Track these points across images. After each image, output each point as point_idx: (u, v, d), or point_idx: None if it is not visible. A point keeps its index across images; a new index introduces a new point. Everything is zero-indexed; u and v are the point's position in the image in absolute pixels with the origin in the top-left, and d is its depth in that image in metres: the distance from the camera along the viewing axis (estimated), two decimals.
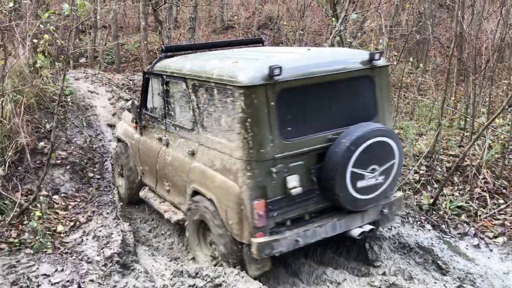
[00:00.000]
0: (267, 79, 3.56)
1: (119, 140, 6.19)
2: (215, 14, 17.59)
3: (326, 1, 7.31)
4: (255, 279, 3.81)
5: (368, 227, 4.16)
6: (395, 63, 7.70)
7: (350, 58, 4.13)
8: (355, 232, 4.09)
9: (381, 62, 4.13)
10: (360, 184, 3.85)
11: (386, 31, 8.01)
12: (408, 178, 6.08)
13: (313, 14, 15.58)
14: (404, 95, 10.26)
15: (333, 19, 7.22)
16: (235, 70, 3.73)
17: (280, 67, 3.55)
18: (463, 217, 5.41)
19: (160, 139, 4.92)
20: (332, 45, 7.29)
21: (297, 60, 3.93)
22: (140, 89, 5.40)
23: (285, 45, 13.17)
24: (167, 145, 4.78)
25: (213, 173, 4.01)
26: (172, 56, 4.95)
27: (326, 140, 3.86)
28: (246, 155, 3.61)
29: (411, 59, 9.49)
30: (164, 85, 4.74)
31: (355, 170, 3.77)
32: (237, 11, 18.04)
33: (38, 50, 7.08)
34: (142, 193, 5.58)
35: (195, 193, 4.30)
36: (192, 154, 4.31)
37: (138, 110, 5.33)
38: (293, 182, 3.72)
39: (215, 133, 3.98)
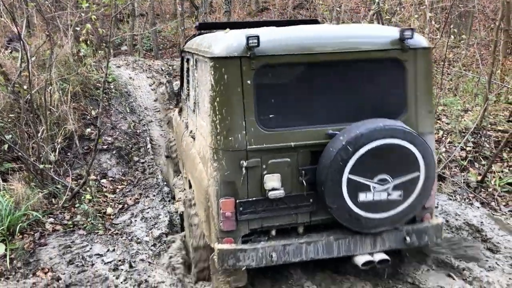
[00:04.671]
0: (243, 51, 2.92)
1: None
2: None
3: None
4: None
5: (380, 257, 3.26)
6: (438, 36, 7.46)
7: (373, 35, 3.30)
8: (359, 260, 3.24)
9: (419, 42, 3.23)
10: (363, 197, 3.04)
11: (427, 3, 7.73)
12: (455, 155, 5.92)
13: None
14: (447, 70, 9.94)
15: None
16: (214, 40, 3.22)
17: (258, 37, 2.88)
18: None
19: (185, 123, 4.48)
20: (370, 22, 7.12)
21: (292, 32, 3.21)
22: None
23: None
24: (187, 128, 4.29)
25: (197, 162, 3.50)
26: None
27: (324, 135, 3.10)
28: (214, 142, 3.04)
29: (455, 30, 9.13)
30: (186, 63, 4.36)
31: (355, 177, 2.98)
32: None
33: (80, 39, 7.26)
34: (173, 180, 5.34)
35: (189, 181, 3.90)
36: (193, 139, 3.81)
37: (178, 91, 5.19)
38: (272, 182, 3.05)
39: (202, 115, 3.44)
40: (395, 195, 3.09)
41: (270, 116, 3.07)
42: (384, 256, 3.25)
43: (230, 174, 3.03)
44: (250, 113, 2.99)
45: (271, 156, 3.05)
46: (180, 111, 4.97)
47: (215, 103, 2.99)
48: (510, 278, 3.64)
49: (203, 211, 3.24)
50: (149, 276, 3.80)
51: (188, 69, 4.19)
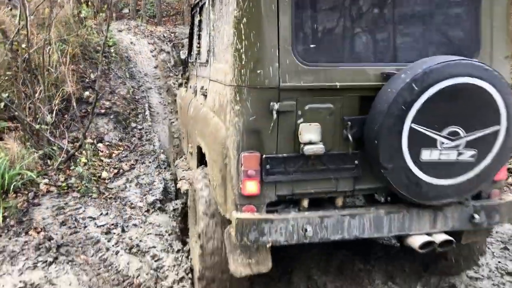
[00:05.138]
0: None
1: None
2: None
3: None
4: (243, 280, 2.74)
5: (441, 238, 2.61)
6: None
7: None
8: (415, 241, 2.60)
9: None
10: (427, 155, 2.39)
11: None
12: None
13: None
14: None
15: None
16: None
17: None
18: None
19: (193, 89, 3.98)
20: None
21: None
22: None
23: None
24: (195, 93, 3.79)
25: (211, 117, 2.95)
26: None
27: (379, 77, 2.47)
28: (237, 78, 2.43)
29: None
30: (199, 13, 3.87)
31: (419, 127, 2.32)
32: None
33: (81, 0, 7.11)
34: (176, 161, 4.74)
35: (200, 151, 3.23)
36: (204, 96, 3.29)
37: (185, 59, 4.77)
38: (309, 134, 2.41)
39: (219, 56, 2.87)
40: (467, 155, 2.41)
41: (311, 46, 2.46)
42: (447, 237, 2.60)
43: (255, 120, 2.39)
44: (285, 40, 2.36)
45: (310, 99, 2.42)
46: (187, 82, 4.59)
47: (241, 26, 2.36)
48: None
49: (217, 172, 2.62)
50: (140, 241, 3.81)
51: (200, 21, 3.79)
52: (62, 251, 3.69)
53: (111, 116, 6.47)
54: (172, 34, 9.82)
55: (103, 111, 6.52)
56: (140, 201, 4.58)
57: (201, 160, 3.23)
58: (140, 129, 6.58)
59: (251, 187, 2.43)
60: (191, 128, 3.72)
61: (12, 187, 4.39)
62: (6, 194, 4.35)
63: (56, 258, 3.57)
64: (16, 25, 5.56)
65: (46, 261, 3.52)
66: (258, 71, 2.36)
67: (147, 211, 4.37)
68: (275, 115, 2.37)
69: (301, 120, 2.42)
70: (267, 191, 2.47)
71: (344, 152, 2.51)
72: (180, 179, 3.89)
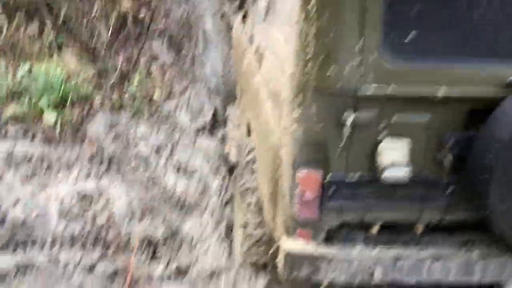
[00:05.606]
0: None
1: None
2: None
3: None
4: None
5: None
6: None
7: None
8: None
9: None
10: None
11: None
12: None
13: None
14: None
15: None
16: None
17: None
18: None
19: (248, 35, 3.14)
20: None
21: None
22: None
23: None
24: (251, 42, 3.00)
25: (263, 99, 2.33)
26: None
27: (501, 83, 1.78)
28: (299, 73, 1.82)
29: None
30: None
31: None
32: None
33: None
34: (228, 111, 4.22)
35: (248, 126, 2.70)
36: (259, 60, 2.55)
37: None
38: (393, 153, 1.83)
39: (279, 20, 2.20)
40: None
41: (408, 37, 1.73)
42: None
43: (321, 132, 1.83)
44: (373, 29, 1.69)
45: (399, 108, 1.80)
46: (245, 17, 3.70)
47: (309, 5, 1.69)
48: None
49: (267, 183, 2.13)
50: (188, 162, 3.89)
51: None
52: (113, 165, 3.83)
53: (165, 39, 6.43)
54: None
55: (157, 32, 6.48)
56: (190, 125, 4.63)
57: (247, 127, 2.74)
58: (192, 54, 6.52)
59: (308, 211, 1.93)
60: (242, 86, 3.13)
61: (68, 100, 4.53)
62: (63, 106, 4.49)
63: (107, 171, 3.72)
64: None
65: (99, 172, 3.68)
66: (330, 68, 1.73)
67: (196, 134, 4.42)
68: (348, 128, 1.79)
69: (384, 135, 1.82)
70: (328, 217, 1.96)
71: (436, 177, 1.93)
72: (231, 138, 3.46)
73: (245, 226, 2.55)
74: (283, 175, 1.96)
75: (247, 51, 3.10)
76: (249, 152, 2.53)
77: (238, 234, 2.77)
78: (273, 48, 2.24)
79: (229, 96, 4.43)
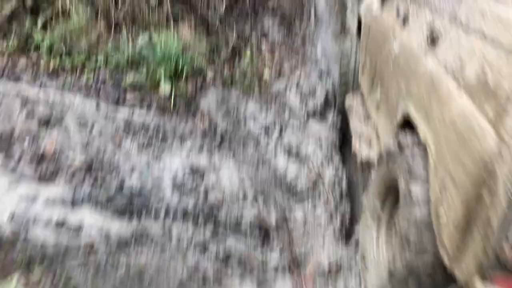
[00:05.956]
0: None
1: (359, 24, 4.24)
2: None
3: None
4: None
5: None
6: None
7: None
8: None
9: None
10: None
11: None
12: None
13: None
14: None
15: None
16: None
17: None
18: None
19: (397, 13, 2.84)
20: None
21: None
22: None
23: None
24: (404, 22, 2.66)
25: (449, 89, 1.85)
26: None
27: None
28: None
29: None
30: None
31: None
32: None
33: None
34: (348, 101, 3.81)
35: (406, 123, 2.23)
36: (433, 41, 2.13)
37: None
38: None
39: None
40: None
41: None
42: None
43: None
44: None
45: None
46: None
47: None
48: None
49: (458, 199, 1.64)
50: (299, 147, 3.75)
51: None
52: (224, 142, 3.81)
53: (277, 16, 6.30)
54: None
55: (269, 10, 6.36)
56: (300, 107, 4.48)
57: (403, 124, 2.26)
58: (303, 33, 6.33)
59: None
60: (389, 75, 2.71)
61: (184, 72, 4.58)
62: (178, 78, 4.55)
63: (219, 147, 3.70)
64: None
65: (211, 148, 3.66)
66: None
67: (307, 117, 4.27)
68: None
69: None
70: None
71: None
72: (357, 139, 3.05)
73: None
74: (496, 197, 1.45)
75: (395, 33, 2.79)
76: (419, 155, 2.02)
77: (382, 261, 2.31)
78: (480, 23, 1.77)
79: (346, 84, 4.13)
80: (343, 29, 6.51)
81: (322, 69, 5.37)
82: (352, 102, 3.67)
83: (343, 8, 6.96)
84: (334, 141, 3.84)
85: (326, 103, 4.49)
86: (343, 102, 4.03)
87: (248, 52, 5.31)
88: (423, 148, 1.95)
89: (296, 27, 6.38)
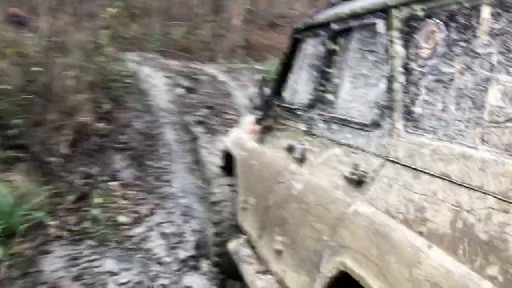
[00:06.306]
0: None
1: (226, 159, 3.94)
2: None
3: None
4: None
5: None
6: None
7: None
8: None
9: None
10: None
11: None
12: None
13: None
14: None
15: None
16: None
17: None
18: None
19: (290, 149, 2.64)
20: None
21: None
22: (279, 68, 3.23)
23: None
24: (301, 160, 2.48)
25: (407, 240, 1.53)
26: None
27: None
28: None
29: None
30: (331, 42, 2.54)
31: None
32: None
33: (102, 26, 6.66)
34: (232, 245, 3.31)
35: (343, 278, 1.84)
36: (358, 183, 1.92)
37: (267, 99, 3.25)
38: None
39: (447, 132, 1.57)
40: None
41: None
42: None
43: None
44: None
45: None
46: (266, 132, 3.15)
47: None
48: None
49: None
50: None
51: (332, 52, 2.49)
52: None
53: (127, 152, 5.86)
54: (189, 69, 9.37)
55: (117, 145, 5.91)
56: (168, 256, 3.92)
57: (338, 278, 1.85)
58: (156, 168, 5.95)
59: None
60: (294, 221, 2.39)
61: (18, 230, 3.71)
62: (11, 239, 3.66)
63: None
64: (34, 46, 5.03)
65: None
66: None
67: (179, 269, 3.70)
68: None
69: None
70: None
71: None
72: None
73: None
74: None
75: (291, 172, 2.52)
76: None
77: None
78: (451, 166, 1.50)
79: (220, 224, 3.67)
80: (198, 162, 6.32)
81: (184, 209, 4.95)
82: (238, 248, 3.16)
83: (194, 140, 6.87)
84: None
85: (199, 250, 4.01)
86: (220, 255, 3.58)
87: (99, 196, 4.67)
88: None
89: (149, 164, 5.99)
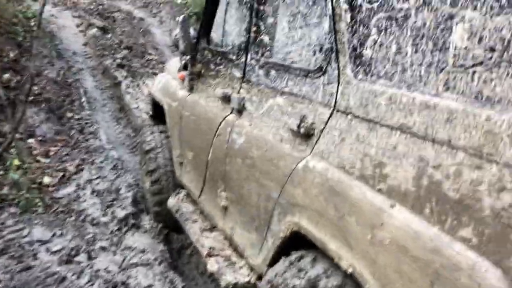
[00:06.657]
0: None
1: (154, 107, 3.75)
2: None
3: None
4: None
5: None
6: None
7: None
8: None
9: None
10: None
11: None
12: None
13: None
14: None
15: None
16: None
17: None
18: None
19: (225, 98, 2.42)
20: None
21: None
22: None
23: None
24: (240, 111, 2.28)
25: (373, 203, 1.38)
26: None
27: None
28: None
29: None
30: None
31: None
32: None
33: None
34: (172, 202, 3.11)
35: (297, 238, 1.73)
36: (306, 136, 1.74)
37: (193, 42, 2.90)
38: None
39: (399, 77, 1.40)
40: None
41: None
42: None
43: None
44: None
45: None
46: (195, 79, 2.88)
47: None
48: None
49: None
50: (127, 276, 2.92)
51: None
52: None
53: (42, 105, 5.29)
54: (100, 6, 8.52)
55: (31, 97, 5.29)
56: (104, 215, 3.64)
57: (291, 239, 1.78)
58: (78, 120, 5.46)
59: None
60: (239, 176, 2.20)
61: None
62: None
63: None
64: None
65: None
66: None
67: (118, 229, 3.45)
68: None
69: None
70: None
71: None
72: (209, 256, 2.33)
73: None
74: None
75: (228, 123, 2.33)
76: None
77: None
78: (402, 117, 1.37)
79: (158, 180, 3.41)
80: (124, 110, 5.90)
81: (115, 162, 4.61)
82: (180, 205, 2.95)
83: (116, 85, 6.36)
84: (166, 258, 3.13)
85: (137, 206, 3.76)
86: (159, 204, 3.38)
87: (16, 157, 4.19)
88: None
89: (69, 116, 5.48)
